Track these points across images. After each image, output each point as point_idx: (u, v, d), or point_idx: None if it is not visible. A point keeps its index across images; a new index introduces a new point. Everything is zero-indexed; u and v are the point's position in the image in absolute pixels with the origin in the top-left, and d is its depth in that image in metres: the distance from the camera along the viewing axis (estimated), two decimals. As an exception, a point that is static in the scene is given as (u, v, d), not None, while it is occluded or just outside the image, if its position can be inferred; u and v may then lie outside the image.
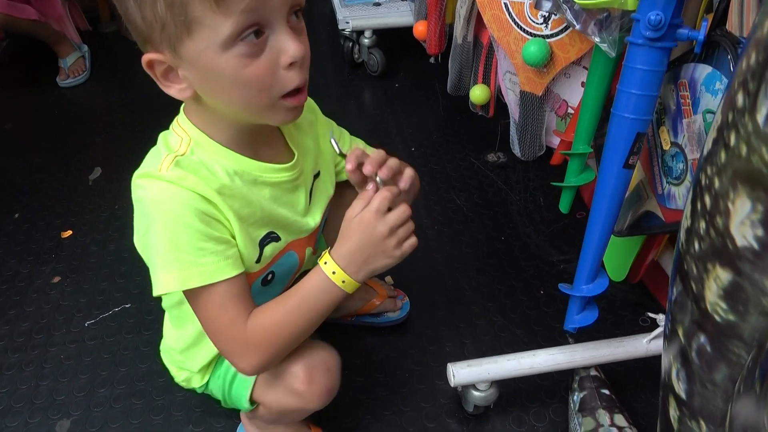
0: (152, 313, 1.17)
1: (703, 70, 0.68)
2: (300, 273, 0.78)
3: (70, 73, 1.99)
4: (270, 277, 0.72)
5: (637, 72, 0.67)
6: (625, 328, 1.16)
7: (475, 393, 0.93)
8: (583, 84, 0.98)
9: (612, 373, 1.00)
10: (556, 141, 1.06)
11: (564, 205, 0.97)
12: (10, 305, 1.26)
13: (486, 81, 1.29)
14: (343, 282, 0.62)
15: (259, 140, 0.66)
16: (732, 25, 0.67)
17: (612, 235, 0.79)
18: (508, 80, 1.12)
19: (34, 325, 1.20)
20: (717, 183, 0.32)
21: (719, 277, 0.33)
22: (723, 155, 0.31)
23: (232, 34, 0.51)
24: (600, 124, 0.90)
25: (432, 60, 1.46)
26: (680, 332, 0.39)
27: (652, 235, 0.89)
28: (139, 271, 1.16)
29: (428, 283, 1.26)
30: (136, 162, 0.68)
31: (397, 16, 1.83)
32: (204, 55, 0.53)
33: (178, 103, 0.67)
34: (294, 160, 0.68)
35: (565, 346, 0.94)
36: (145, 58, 0.56)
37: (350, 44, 1.92)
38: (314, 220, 0.73)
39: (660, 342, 0.93)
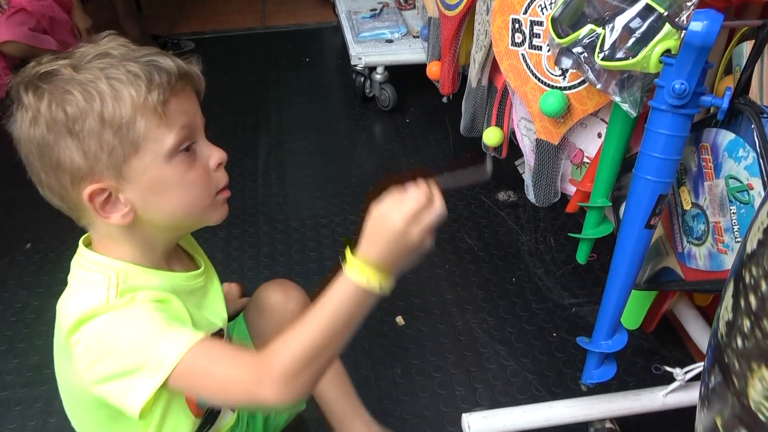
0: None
1: (726, 136, 0.69)
2: None
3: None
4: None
5: (660, 136, 0.68)
6: (638, 375, 1.15)
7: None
8: (599, 135, 0.99)
9: (627, 423, 1.00)
10: (571, 188, 1.06)
11: (581, 255, 0.97)
12: (19, 338, 1.25)
13: (499, 123, 1.30)
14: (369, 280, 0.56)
15: (173, 257, 0.73)
16: (753, 93, 0.68)
17: (630, 289, 0.79)
18: (524, 126, 1.13)
19: (43, 358, 1.19)
20: (764, 286, 0.32)
21: (765, 378, 0.33)
22: (771, 261, 0.32)
23: (174, 144, 0.61)
24: (618, 177, 0.91)
25: (445, 100, 1.48)
26: (719, 423, 0.39)
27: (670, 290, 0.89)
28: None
29: (439, 325, 1.26)
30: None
31: (409, 53, 1.86)
32: (150, 169, 0.61)
33: None
34: (202, 267, 0.75)
35: (581, 399, 0.93)
36: (87, 190, 0.60)
37: (362, 79, 1.94)
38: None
39: (676, 396, 0.93)
